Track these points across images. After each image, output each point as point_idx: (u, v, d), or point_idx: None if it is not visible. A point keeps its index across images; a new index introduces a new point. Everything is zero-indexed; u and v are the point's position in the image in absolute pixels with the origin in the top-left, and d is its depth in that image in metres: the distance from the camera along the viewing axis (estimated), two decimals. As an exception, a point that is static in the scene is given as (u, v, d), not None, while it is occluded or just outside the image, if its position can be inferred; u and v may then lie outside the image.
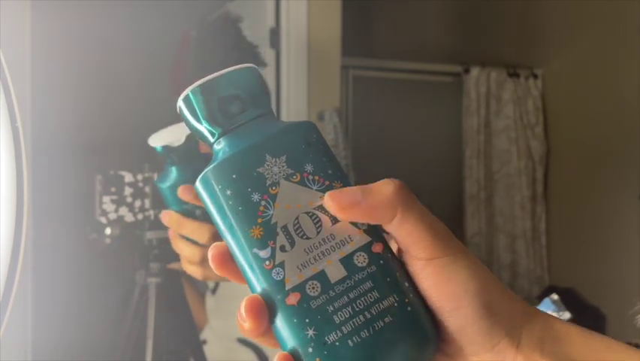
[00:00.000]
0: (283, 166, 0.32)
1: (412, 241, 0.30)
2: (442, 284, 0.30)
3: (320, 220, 0.31)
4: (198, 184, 0.32)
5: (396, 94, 2.70)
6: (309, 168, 0.32)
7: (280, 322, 0.30)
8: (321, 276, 0.30)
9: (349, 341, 0.29)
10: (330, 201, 0.31)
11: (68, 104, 1.75)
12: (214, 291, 1.21)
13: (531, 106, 2.82)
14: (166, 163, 0.70)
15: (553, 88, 2.82)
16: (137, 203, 0.87)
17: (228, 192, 0.31)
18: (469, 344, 0.30)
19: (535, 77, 2.84)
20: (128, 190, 0.87)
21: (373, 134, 2.55)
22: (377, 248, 0.31)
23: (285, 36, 2.06)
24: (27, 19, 1.37)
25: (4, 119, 0.51)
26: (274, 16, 2.08)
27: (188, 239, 0.69)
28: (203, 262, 0.68)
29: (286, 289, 0.30)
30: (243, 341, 1.19)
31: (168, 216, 0.69)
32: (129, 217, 0.87)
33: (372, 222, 0.31)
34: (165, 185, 0.69)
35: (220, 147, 0.33)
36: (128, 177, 0.87)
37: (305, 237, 0.31)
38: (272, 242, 0.31)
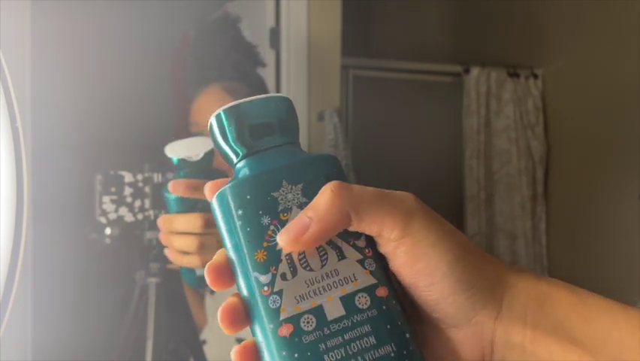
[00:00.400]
0: (298, 194, 0.31)
1: (377, 228, 0.30)
2: (414, 262, 0.30)
3: (327, 254, 0.31)
4: (214, 200, 0.32)
5: (396, 94, 2.70)
6: None
7: (268, 351, 0.29)
8: (318, 311, 0.29)
9: None
10: (281, 241, 0.30)
11: (68, 104, 1.75)
12: (213, 291, 1.21)
13: (531, 106, 2.82)
14: (177, 175, 0.71)
15: (554, 88, 2.82)
16: (137, 203, 0.87)
17: (240, 212, 0.31)
18: (447, 317, 0.30)
19: (536, 77, 2.84)
20: (128, 190, 0.87)
21: (373, 134, 2.55)
22: (381, 292, 0.30)
23: (285, 36, 2.07)
24: (27, 19, 1.37)
25: (4, 119, 0.51)
26: (274, 16, 2.08)
27: (182, 208, 0.69)
28: (201, 249, 0.68)
29: (280, 319, 0.29)
30: (241, 341, 1.19)
31: (161, 221, 0.70)
32: (129, 217, 0.87)
33: (333, 235, 0.30)
34: (172, 196, 0.69)
35: (241, 167, 0.33)
36: (128, 177, 0.87)
37: (308, 268, 0.30)
38: (274, 268, 0.30)
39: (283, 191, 0.31)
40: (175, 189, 0.66)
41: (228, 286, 0.31)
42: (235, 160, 0.33)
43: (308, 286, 0.30)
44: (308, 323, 0.29)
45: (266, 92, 1.32)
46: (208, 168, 0.70)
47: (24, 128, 0.53)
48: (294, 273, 0.30)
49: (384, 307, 0.30)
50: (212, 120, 0.33)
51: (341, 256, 0.31)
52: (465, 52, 2.87)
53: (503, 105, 2.81)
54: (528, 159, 2.80)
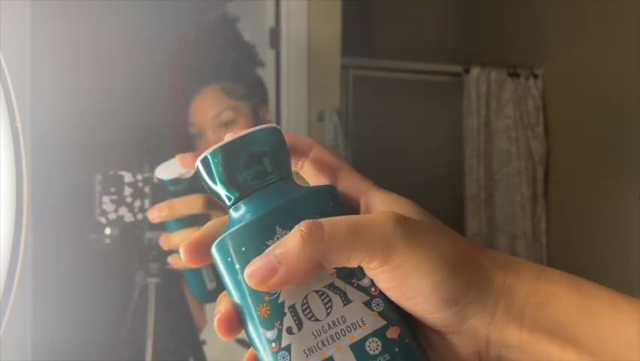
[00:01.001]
0: None
1: (355, 263, 0.29)
2: (397, 286, 0.29)
3: (330, 300, 0.29)
4: (214, 249, 0.31)
5: (396, 94, 2.69)
6: None
7: None
8: None
9: None
10: (248, 280, 0.29)
11: (68, 104, 1.75)
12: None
13: (531, 106, 2.82)
14: (170, 193, 0.70)
15: (554, 88, 2.82)
16: (137, 203, 0.87)
17: (237, 266, 0.29)
18: (436, 326, 0.30)
19: (536, 77, 2.84)
20: (127, 190, 0.87)
21: (373, 134, 2.55)
22: (392, 333, 0.29)
23: (285, 36, 2.06)
24: (27, 19, 1.37)
25: (3, 119, 0.51)
26: (274, 15, 2.08)
27: (180, 225, 0.68)
28: None
29: None
30: (243, 342, 1.19)
31: (157, 210, 0.68)
32: (129, 217, 0.87)
33: (304, 280, 0.29)
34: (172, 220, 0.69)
35: (235, 213, 0.31)
36: (127, 177, 0.87)
37: (314, 318, 0.29)
38: (279, 323, 0.29)
39: (277, 238, 0.30)
40: (184, 161, 0.66)
41: (239, 333, 0.31)
42: (228, 204, 0.32)
43: (315, 337, 0.29)
44: None
45: (264, 91, 1.31)
46: (200, 185, 0.69)
47: (24, 128, 0.53)
48: (300, 326, 0.29)
49: (396, 349, 0.29)
50: (199, 164, 0.32)
51: (346, 300, 0.29)
52: (465, 52, 2.87)
53: (503, 105, 2.81)
54: (528, 159, 2.80)
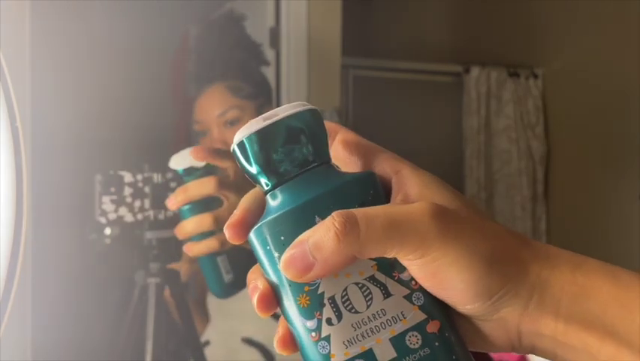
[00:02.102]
0: None
1: (391, 255, 0.29)
2: (430, 277, 0.29)
3: (370, 293, 0.29)
4: (252, 236, 0.30)
5: (396, 93, 2.69)
6: None
7: None
8: (368, 355, 0.28)
9: None
10: (283, 272, 0.29)
11: (68, 104, 1.75)
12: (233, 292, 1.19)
13: (531, 106, 2.82)
14: (184, 183, 0.71)
15: (554, 88, 2.82)
16: (137, 203, 0.87)
17: (276, 255, 0.29)
18: (469, 315, 0.30)
19: (536, 77, 2.84)
20: (127, 190, 0.87)
21: (373, 134, 2.54)
22: (432, 327, 0.29)
23: (285, 36, 2.06)
24: (26, 19, 1.37)
25: (3, 119, 0.51)
26: (274, 15, 2.08)
27: (194, 211, 0.67)
28: (216, 226, 0.67)
29: None
30: (249, 341, 1.19)
31: (173, 197, 0.69)
32: (129, 217, 0.87)
33: (339, 273, 0.29)
34: (185, 206, 0.70)
35: (272, 200, 0.31)
36: (127, 177, 0.87)
37: (353, 310, 0.29)
38: (318, 313, 0.29)
39: None
40: (198, 154, 0.67)
41: (276, 310, 0.31)
42: (265, 189, 0.31)
43: (355, 329, 0.29)
44: None
45: (269, 90, 1.31)
46: (215, 171, 0.71)
47: (24, 128, 0.53)
48: (340, 317, 0.29)
49: (436, 343, 0.29)
50: (236, 148, 0.31)
51: (386, 293, 0.29)
52: (465, 52, 2.86)
53: (503, 105, 2.81)
54: (528, 159, 2.80)
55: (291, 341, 0.30)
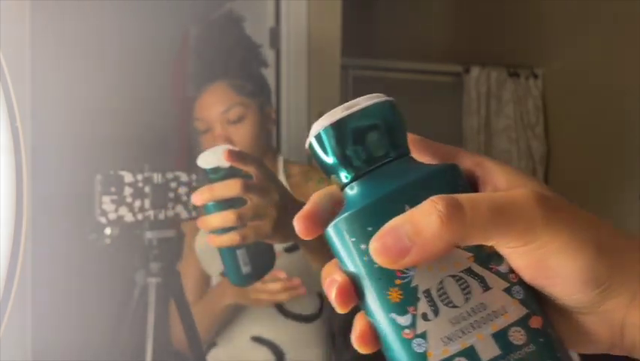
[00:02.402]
0: None
1: (490, 243, 0.27)
2: (534, 266, 0.27)
3: (468, 286, 0.27)
4: (331, 230, 0.29)
5: (396, 94, 2.67)
6: None
7: None
8: (470, 353, 0.26)
9: None
10: (375, 257, 0.27)
11: (68, 104, 1.75)
12: (290, 250, 1.16)
13: (531, 106, 2.82)
14: (209, 181, 0.74)
15: (554, 88, 2.82)
16: (137, 203, 0.87)
17: (362, 247, 0.27)
18: (569, 306, 0.28)
19: (536, 77, 2.84)
20: (127, 190, 0.87)
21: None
22: (535, 323, 0.27)
23: (285, 36, 2.07)
24: (26, 19, 1.37)
25: (3, 118, 0.51)
26: (274, 16, 2.08)
27: (219, 208, 0.71)
28: (239, 222, 0.70)
29: None
30: (258, 339, 1.18)
31: (199, 193, 0.71)
32: (129, 217, 0.87)
33: (435, 263, 0.28)
34: (211, 203, 0.73)
35: (353, 192, 0.29)
36: (127, 177, 0.87)
37: (451, 305, 0.27)
38: (412, 308, 0.27)
39: None
40: (229, 157, 0.70)
41: (354, 304, 0.29)
42: (344, 182, 0.30)
43: (454, 325, 0.27)
44: None
45: (269, 91, 1.31)
46: (239, 172, 0.74)
47: (24, 128, 0.53)
48: (436, 312, 0.27)
49: (541, 339, 0.27)
50: (313, 141, 0.30)
51: (485, 286, 0.27)
52: (465, 52, 2.87)
53: (503, 105, 2.81)
54: (528, 159, 2.80)
55: (372, 338, 0.28)
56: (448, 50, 2.88)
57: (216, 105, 1.19)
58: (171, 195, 0.89)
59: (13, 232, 0.49)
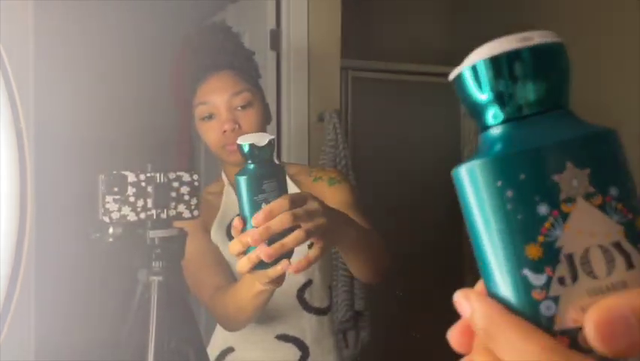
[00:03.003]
0: (585, 181, 0.26)
1: None
2: None
3: (614, 260, 0.25)
4: (463, 173, 0.27)
5: (395, 95, 2.70)
6: (613, 191, 0.26)
7: None
8: None
9: None
10: (598, 341, 0.23)
11: (71, 104, 1.76)
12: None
13: (530, 107, 2.83)
14: (246, 162, 0.80)
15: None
16: (140, 202, 0.88)
17: (509, 193, 0.26)
18: None
19: (535, 78, 2.85)
20: (130, 190, 0.88)
21: (372, 135, 2.56)
22: None
23: (286, 38, 2.08)
24: (30, 19, 1.38)
25: (7, 119, 0.52)
26: (274, 18, 2.09)
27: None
28: (295, 221, 0.76)
29: (554, 328, 0.25)
30: (283, 337, 1.18)
31: (272, 250, 0.77)
32: (132, 216, 0.88)
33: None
34: (243, 177, 0.78)
35: (501, 133, 0.27)
36: (130, 177, 0.88)
37: (592, 275, 0.25)
38: (550, 269, 0.25)
39: (567, 175, 0.26)
40: (260, 218, 0.76)
41: (468, 351, 0.27)
42: (491, 122, 0.27)
43: (590, 296, 0.25)
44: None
45: (264, 102, 1.26)
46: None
47: (27, 128, 0.54)
48: (575, 278, 0.25)
49: None
50: (466, 70, 0.28)
51: (629, 264, 0.25)
52: (464, 53, 2.86)
53: (502, 106, 2.82)
54: (527, 160, 2.81)
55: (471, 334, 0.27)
56: (446, 52, 2.89)
57: (225, 88, 1.15)
58: (173, 194, 0.90)
59: (16, 232, 0.50)
